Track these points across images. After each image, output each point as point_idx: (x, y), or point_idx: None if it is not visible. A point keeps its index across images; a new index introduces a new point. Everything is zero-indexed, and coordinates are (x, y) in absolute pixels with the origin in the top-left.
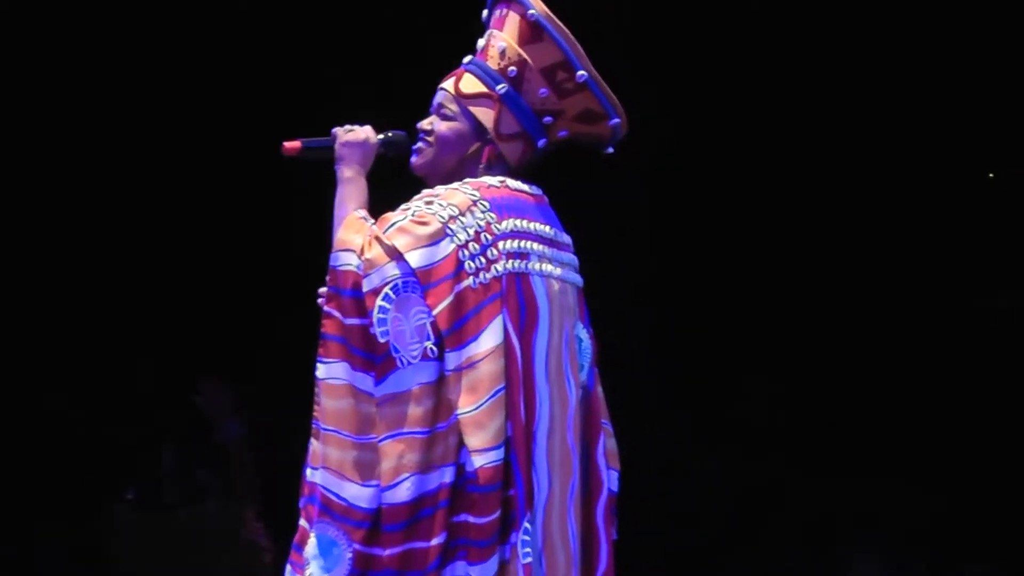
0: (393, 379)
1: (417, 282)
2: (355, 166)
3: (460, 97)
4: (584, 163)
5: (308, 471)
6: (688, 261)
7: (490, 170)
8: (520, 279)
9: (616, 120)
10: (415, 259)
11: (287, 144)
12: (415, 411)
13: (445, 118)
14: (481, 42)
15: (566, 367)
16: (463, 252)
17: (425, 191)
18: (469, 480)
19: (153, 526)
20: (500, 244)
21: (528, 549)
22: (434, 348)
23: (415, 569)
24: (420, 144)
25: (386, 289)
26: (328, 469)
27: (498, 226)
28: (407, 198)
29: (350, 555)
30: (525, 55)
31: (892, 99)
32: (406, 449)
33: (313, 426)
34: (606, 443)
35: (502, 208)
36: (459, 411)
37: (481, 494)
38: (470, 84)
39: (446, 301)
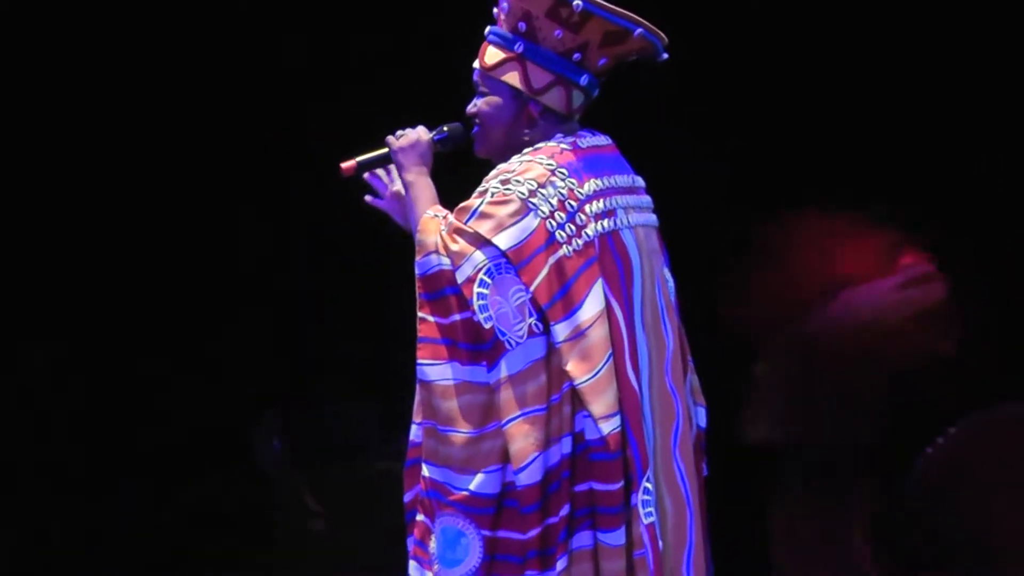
0: (505, 362)
1: (509, 263)
2: (414, 168)
3: (487, 71)
4: None
5: (424, 467)
6: None
7: (544, 126)
8: (612, 237)
9: (639, 30)
10: (503, 240)
11: (343, 165)
12: (532, 389)
13: (482, 96)
14: (495, 10)
15: (662, 311)
16: (550, 223)
17: (499, 167)
18: (591, 448)
19: None
20: (586, 208)
21: (650, 509)
22: (538, 324)
23: (551, 545)
24: (476, 130)
25: (480, 275)
26: (449, 466)
27: (580, 190)
28: (477, 183)
29: (480, 543)
30: (527, 6)
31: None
32: (531, 428)
33: (423, 425)
34: (691, 379)
35: (579, 171)
36: (577, 380)
37: (610, 461)
38: (492, 55)
39: (542, 274)
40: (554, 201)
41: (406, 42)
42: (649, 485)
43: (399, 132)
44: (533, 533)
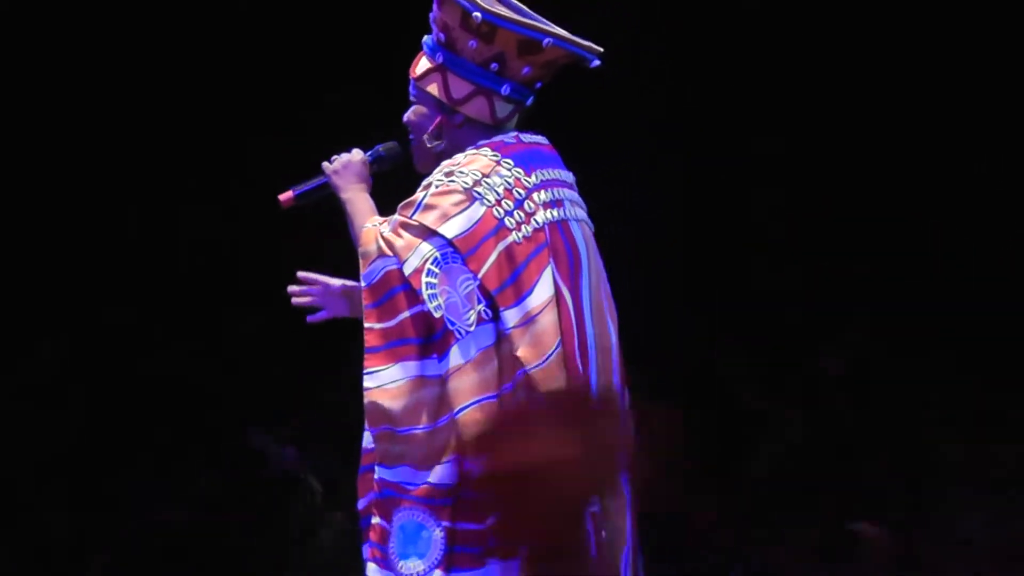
0: (455, 351)
1: (456, 251)
2: (351, 187)
3: (416, 80)
4: None
5: (377, 470)
6: None
7: (468, 136)
8: (561, 226)
9: (547, 40)
10: (449, 230)
11: (281, 197)
12: (483, 376)
13: (411, 105)
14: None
15: (605, 307)
16: (497, 210)
17: (443, 163)
18: None
19: None
20: (534, 196)
21: None
22: (487, 310)
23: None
24: (410, 140)
25: (428, 265)
26: (406, 463)
27: (528, 179)
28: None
29: (441, 535)
30: (444, 17)
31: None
32: (483, 416)
33: (375, 431)
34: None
35: (526, 161)
36: (529, 366)
37: None
38: (422, 65)
39: (490, 261)
40: (500, 190)
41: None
42: None
43: (333, 157)
44: (491, 522)
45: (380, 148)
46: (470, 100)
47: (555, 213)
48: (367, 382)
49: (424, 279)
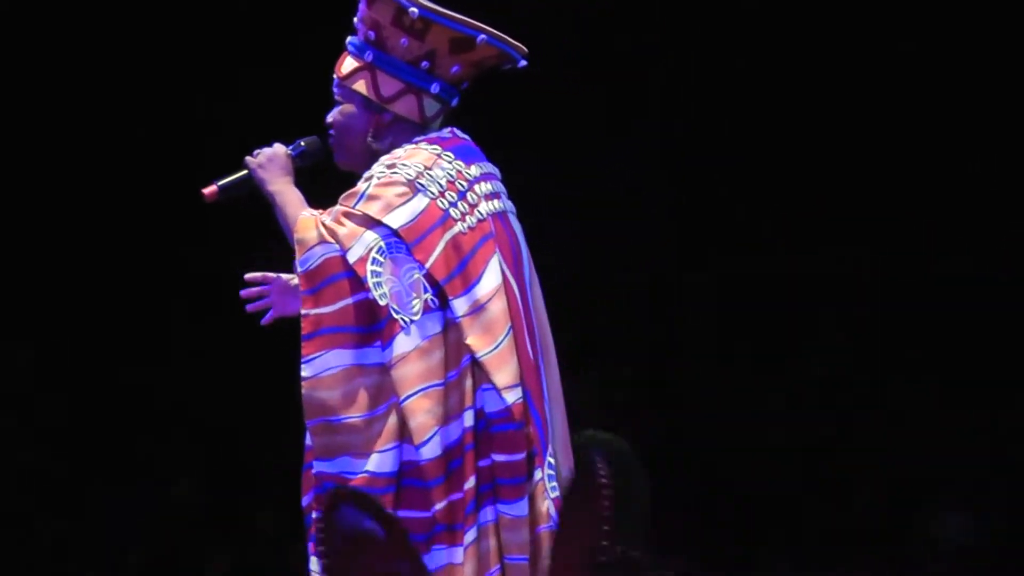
0: (401, 340)
1: (401, 241)
2: (278, 180)
3: (342, 80)
4: None
5: (316, 465)
6: None
7: (397, 135)
8: (502, 217)
9: (481, 36)
10: (394, 220)
11: (205, 191)
12: (429, 364)
13: (337, 105)
14: (355, 20)
15: (542, 304)
16: (441, 202)
17: (383, 157)
18: (493, 421)
19: None
20: (476, 187)
21: (554, 483)
22: (434, 299)
23: (458, 520)
24: (331, 140)
25: (373, 254)
26: (347, 453)
27: (468, 172)
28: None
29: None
30: (375, 15)
31: None
32: (430, 403)
33: (310, 425)
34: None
35: (465, 155)
36: (479, 353)
37: (513, 431)
38: (347, 64)
39: (437, 251)
40: (443, 182)
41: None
42: (552, 460)
43: (256, 152)
44: (437, 508)
45: (302, 142)
46: (400, 98)
47: (496, 205)
48: (304, 371)
49: (369, 267)
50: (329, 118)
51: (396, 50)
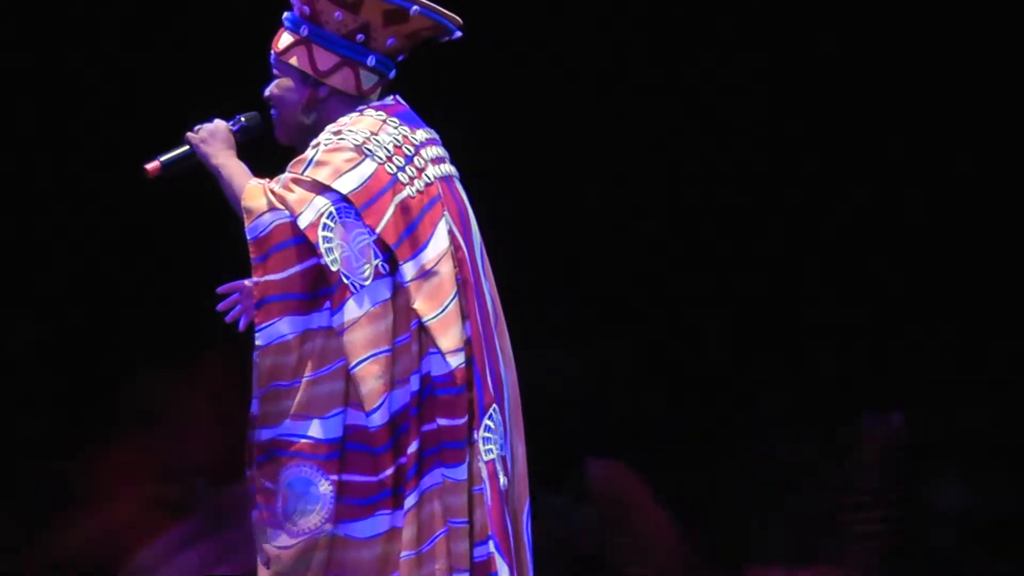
0: (350, 305)
1: (351, 206)
2: (221, 153)
3: (279, 55)
4: None
5: (259, 433)
6: None
7: (335, 108)
8: (449, 182)
9: (414, 7)
10: (343, 185)
11: (148, 167)
12: (379, 330)
13: (275, 79)
14: None
15: (490, 269)
16: (389, 166)
17: (329, 126)
18: (439, 384)
19: None
20: (423, 152)
21: (490, 446)
22: (384, 265)
23: (400, 484)
24: (272, 114)
25: (323, 219)
26: (289, 418)
27: (414, 137)
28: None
29: (330, 488)
30: None
31: None
32: (380, 369)
33: (261, 393)
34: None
35: (409, 120)
36: (424, 318)
37: (455, 395)
38: (284, 40)
39: (388, 214)
40: (390, 147)
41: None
42: (491, 423)
43: (196, 127)
44: (386, 474)
45: (242, 117)
46: (336, 72)
47: (443, 169)
48: (259, 339)
49: (320, 233)
50: (267, 92)
51: (330, 24)
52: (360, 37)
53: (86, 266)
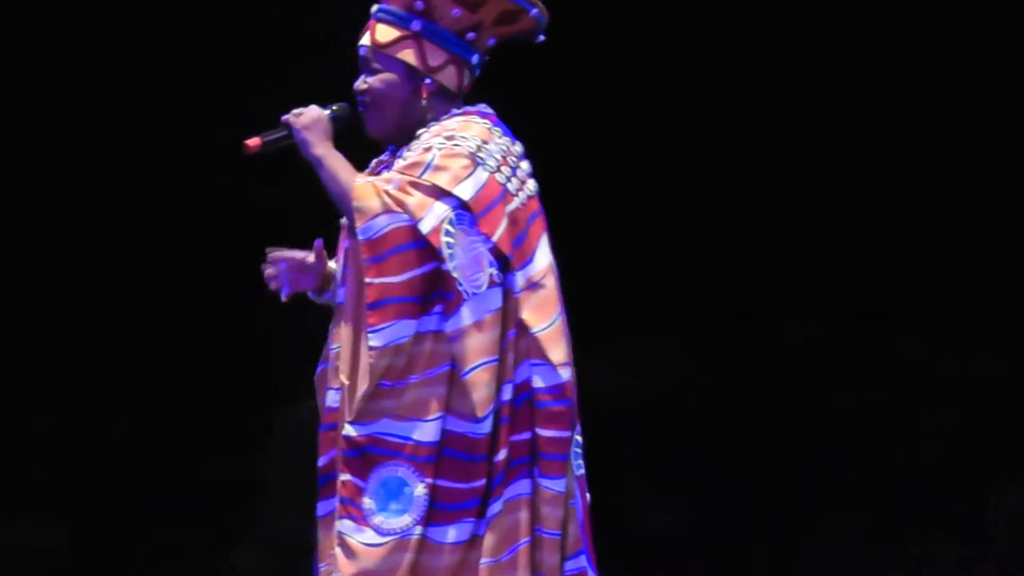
0: (464, 312)
1: (468, 213)
2: (322, 143)
3: (379, 48)
4: None
5: (350, 428)
6: None
7: (437, 104)
8: (538, 198)
9: (535, 11)
10: (462, 191)
11: (249, 142)
12: (489, 338)
13: (374, 72)
14: None
15: None
16: (499, 176)
17: (434, 128)
18: (543, 396)
19: None
20: (522, 165)
21: (580, 461)
22: (499, 274)
23: (487, 493)
24: (362, 108)
25: (445, 225)
26: (390, 416)
27: (513, 148)
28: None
29: (425, 492)
30: None
31: None
32: (489, 377)
33: (368, 391)
34: None
35: (507, 133)
36: (535, 329)
37: (564, 408)
38: (385, 32)
39: (503, 224)
40: (497, 156)
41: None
42: (579, 438)
43: (294, 111)
44: (479, 483)
45: (336, 108)
46: (443, 68)
47: (534, 184)
48: (373, 340)
49: (443, 239)
50: (362, 85)
51: (444, 20)
52: (470, 35)
53: None
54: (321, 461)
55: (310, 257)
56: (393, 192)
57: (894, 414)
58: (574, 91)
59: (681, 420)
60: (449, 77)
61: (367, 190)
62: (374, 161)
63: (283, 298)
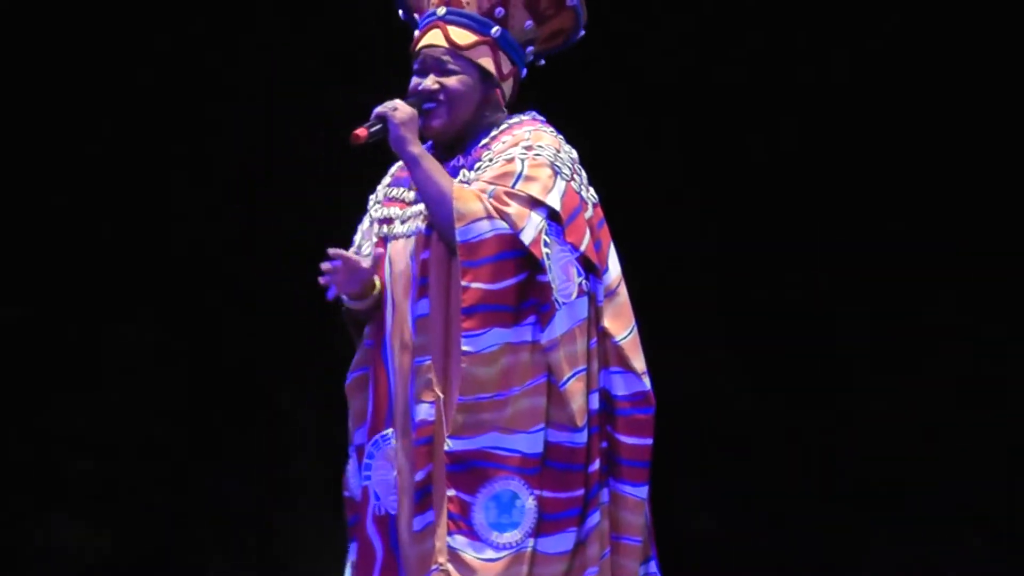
0: (558, 322)
1: (556, 224)
2: (416, 141)
3: (460, 50)
4: None
5: (451, 442)
6: None
7: (495, 112)
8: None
9: (583, 31)
10: (552, 201)
11: (358, 132)
12: (580, 348)
13: (450, 73)
14: None
15: None
16: (573, 184)
17: (504, 137)
18: (624, 403)
19: None
20: (584, 174)
21: None
22: (586, 283)
23: (588, 504)
24: (431, 106)
25: (543, 236)
26: (495, 430)
27: (575, 157)
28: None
29: (534, 504)
30: None
31: None
32: (583, 387)
33: (463, 400)
34: None
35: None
36: (617, 337)
37: (647, 416)
38: (462, 35)
39: (587, 233)
40: (570, 165)
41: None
42: None
43: (391, 105)
44: (579, 492)
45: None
46: (509, 78)
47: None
48: (466, 346)
49: (543, 250)
50: (433, 84)
51: (515, 30)
52: (529, 49)
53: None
54: (418, 476)
55: (365, 262)
56: (491, 200)
57: (938, 416)
58: (586, 99)
59: (722, 425)
60: (509, 87)
61: (468, 194)
62: (395, 166)
63: (329, 297)
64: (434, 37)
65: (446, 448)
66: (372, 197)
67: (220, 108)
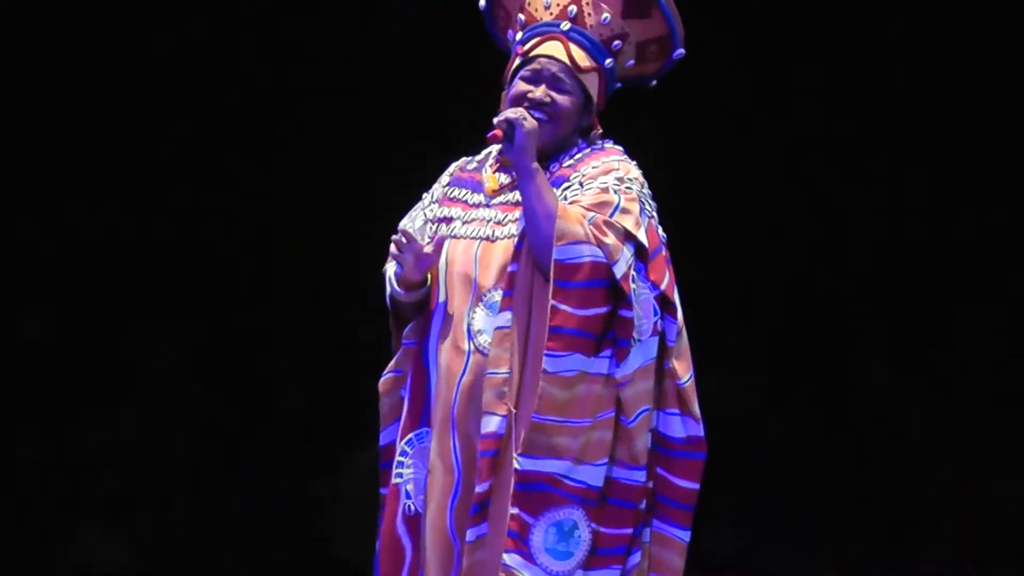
0: (633, 358)
1: (641, 261)
2: (533, 156)
3: (578, 70)
4: None
5: (518, 460)
6: None
7: (572, 139)
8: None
9: (654, 82)
10: (641, 237)
11: (497, 131)
12: (647, 387)
13: (563, 91)
14: (568, 7)
15: None
16: (654, 221)
17: (593, 162)
18: (678, 446)
19: None
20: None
21: None
22: (660, 322)
23: (633, 543)
24: (539, 116)
25: (632, 272)
26: (562, 457)
27: (650, 193)
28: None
29: (589, 535)
30: (631, 31)
31: None
32: (647, 426)
33: (538, 419)
34: None
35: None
36: (682, 379)
37: (699, 460)
38: (582, 56)
39: (667, 272)
40: (651, 202)
41: None
42: None
43: (520, 113)
44: (627, 531)
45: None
46: (599, 110)
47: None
48: (548, 365)
49: (632, 285)
50: (545, 97)
51: (620, 67)
52: (617, 85)
53: None
54: (480, 487)
55: (429, 248)
56: (592, 227)
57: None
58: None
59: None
60: (590, 118)
61: (573, 215)
62: (454, 166)
63: (395, 274)
64: (555, 49)
65: (516, 466)
66: (427, 196)
67: (246, 119)
